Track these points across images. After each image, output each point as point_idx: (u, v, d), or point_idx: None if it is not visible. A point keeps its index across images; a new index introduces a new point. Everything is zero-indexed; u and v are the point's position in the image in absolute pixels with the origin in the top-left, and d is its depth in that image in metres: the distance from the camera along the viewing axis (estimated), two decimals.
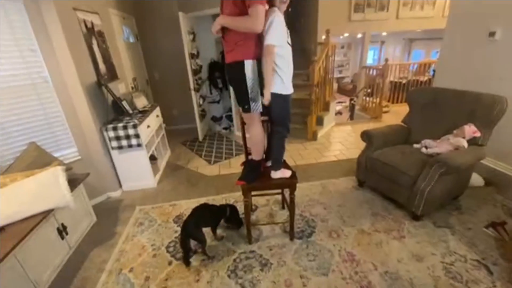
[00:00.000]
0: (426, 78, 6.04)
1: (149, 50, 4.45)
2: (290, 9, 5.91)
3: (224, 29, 1.47)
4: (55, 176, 1.85)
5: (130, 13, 4.00)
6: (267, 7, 1.41)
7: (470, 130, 2.04)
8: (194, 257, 1.84)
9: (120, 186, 2.85)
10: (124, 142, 2.60)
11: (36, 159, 2.04)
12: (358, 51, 8.37)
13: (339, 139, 4.08)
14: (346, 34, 6.98)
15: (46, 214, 1.72)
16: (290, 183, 1.74)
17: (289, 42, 1.55)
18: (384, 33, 8.61)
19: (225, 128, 4.74)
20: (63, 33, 2.13)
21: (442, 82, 2.95)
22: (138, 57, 4.23)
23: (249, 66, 1.45)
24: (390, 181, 2.21)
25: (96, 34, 2.68)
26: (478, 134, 2.03)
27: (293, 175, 1.78)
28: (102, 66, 2.70)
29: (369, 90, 5.59)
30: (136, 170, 2.79)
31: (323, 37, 4.38)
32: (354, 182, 2.71)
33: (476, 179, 2.48)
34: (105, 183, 2.72)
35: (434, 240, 1.88)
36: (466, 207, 2.21)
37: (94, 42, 2.61)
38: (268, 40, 1.43)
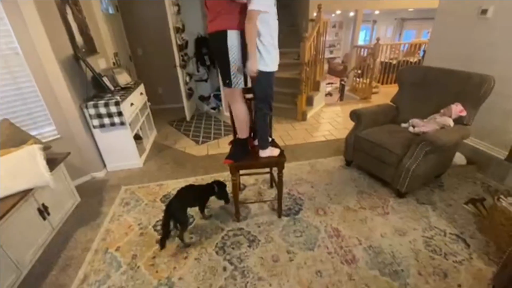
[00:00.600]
0: (416, 59, 6.03)
1: (131, 23, 4.18)
2: None
3: None
4: (32, 155, 1.75)
5: None
6: None
7: (457, 109, 2.06)
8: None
9: (105, 166, 2.77)
10: (106, 120, 2.48)
11: (10, 137, 1.92)
12: (350, 30, 8.20)
13: (328, 119, 4.07)
14: (338, 12, 6.78)
15: (24, 194, 1.65)
16: (278, 162, 1.73)
17: (274, 9, 1.45)
18: (377, 12, 8.44)
19: (214, 108, 4.63)
20: (32, 0, 1.93)
21: (432, 63, 2.94)
22: (119, 30, 3.97)
23: (232, 36, 1.37)
24: (377, 160, 2.24)
25: (71, 3, 2.46)
26: (464, 113, 2.05)
27: (282, 154, 1.76)
28: (79, 38, 2.51)
29: (359, 71, 5.55)
30: (120, 149, 2.70)
31: (315, 14, 4.22)
32: (342, 162, 2.73)
33: (459, 158, 2.55)
34: (88, 163, 2.63)
35: (416, 216, 1.95)
36: (448, 185, 2.29)
37: (69, 11, 2.40)
38: (253, 4, 1.32)
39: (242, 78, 1.51)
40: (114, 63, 3.38)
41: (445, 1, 2.83)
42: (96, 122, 2.47)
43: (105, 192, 2.45)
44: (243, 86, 1.55)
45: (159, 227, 1.94)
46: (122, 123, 2.52)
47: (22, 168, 1.69)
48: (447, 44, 2.83)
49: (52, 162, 1.96)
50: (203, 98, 4.81)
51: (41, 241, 1.81)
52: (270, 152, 1.76)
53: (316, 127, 3.79)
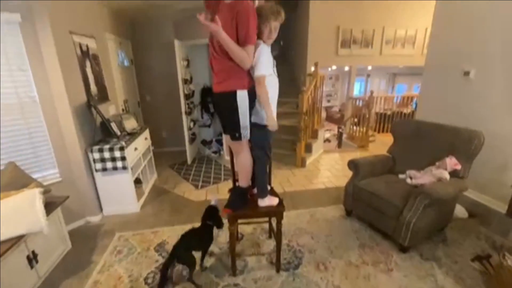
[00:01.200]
0: (409, 110, 6.34)
1: (143, 73, 4.53)
2: (282, 43, 6.25)
3: (214, 53, 1.46)
4: (31, 199, 1.76)
5: (127, 38, 4.12)
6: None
7: (451, 162, 2.12)
8: None
9: (101, 210, 2.72)
10: (109, 164, 2.53)
11: (12, 180, 1.95)
12: (346, 82, 8.79)
13: (327, 166, 4.12)
14: (334, 67, 7.36)
15: (17, 240, 1.61)
16: (277, 212, 1.72)
17: (275, 72, 1.61)
18: (369, 67, 9.14)
19: (215, 152, 4.73)
20: (56, 55, 2.15)
21: (424, 115, 3.10)
22: (131, 80, 4.28)
23: (241, 95, 1.46)
24: (377, 211, 2.22)
25: (91, 57, 2.72)
26: (458, 167, 2.10)
27: (280, 203, 1.76)
28: (93, 88, 2.71)
29: (356, 120, 5.80)
30: (119, 193, 2.70)
31: (312, 68, 4.61)
32: (342, 211, 2.69)
33: (460, 211, 2.52)
34: (84, 207, 2.60)
35: (422, 273, 1.85)
36: (451, 239, 2.22)
37: (88, 64, 2.64)
38: (259, 70, 1.48)
39: (249, 132, 1.57)
40: (123, 109, 3.58)
41: (430, 63, 3.12)
42: (99, 165, 2.52)
43: (98, 239, 2.37)
44: (249, 137, 1.61)
45: (150, 280, 1.84)
46: (124, 168, 2.57)
47: (20, 213, 1.68)
48: (436, 99, 3.03)
49: (49, 206, 1.95)
50: (205, 142, 4.94)
51: None
52: (269, 201, 1.76)
53: (315, 173, 3.82)
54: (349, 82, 5.93)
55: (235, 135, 1.56)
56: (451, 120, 2.51)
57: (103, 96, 2.95)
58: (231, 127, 1.55)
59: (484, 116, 2.51)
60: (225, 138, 1.75)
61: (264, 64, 1.48)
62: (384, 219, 2.17)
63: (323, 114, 6.58)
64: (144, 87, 4.61)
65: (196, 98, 4.75)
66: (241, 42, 1.36)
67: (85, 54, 2.60)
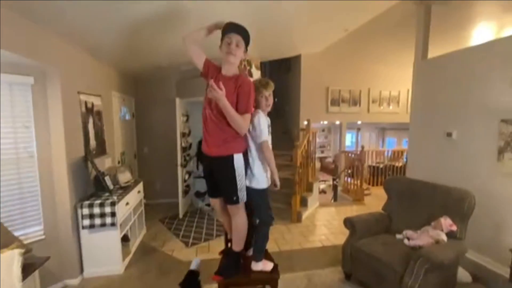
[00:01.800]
0: (401, 164, 6.50)
1: (143, 126, 4.69)
2: (276, 100, 6.69)
3: (211, 115, 1.50)
4: (9, 262, 1.64)
5: (131, 95, 4.39)
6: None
7: (446, 223, 2.10)
8: None
9: (81, 271, 2.51)
10: (97, 221, 2.43)
11: None
12: (337, 135, 9.16)
13: (323, 221, 4.02)
14: (325, 122, 7.76)
15: None
16: (271, 279, 1.62)
17: (270, 134, 1.71)
18: (359, 122, 9.65)
19: (208, 205, 4.61)
20: (62, 114, 2.26)
21: (414, 173, 3.17)
22: (130, 132, 4.41)
23: (238, 159, 1.52)
24: (377, 275, 2.10)
25: (94, 113, 2.85)
26: (454, 228, 2.08)
27: (275, 269, 1.67)
28: (92, 142, 2.78)
29: (349, 171, 5.87)
30: (103, 253, 2.53)
31: (305, 122, 4.85)
32: (341, 274, 2.54)
33: (463, 274, 2.40)
34: (65, 268, 2.40)
35: None
36: None
37: (90, 120, 2.75)
38: (262, 137, 1.59)
39: (245, 194, 1.58)
40: (119, 161, 3.60)
41: (414, 123, 3.32)
42: (86, 222, 2.42)
43: None
44: (244, 201, 1.61)
45: None
46: (113, 224, 2.47)
47: None
48: (424, 157, 3.14)
49: (27, 268, 1.80)
50: (199, 194, 4.85)
51: None
52: (263, 265, 1.68)
53: (312, 230, 3.70)
54: (341, 136, 6.18)
55: (233, 198, 1.55)
56: (441, 178, 2.57)
57: (101, 150, 3.00)
58: (229, 190, 1.55)
59: (473, 175, 2.58)
60: (212, 202, 1.74)
61: (264, 130, 1.60)
62: (385, 285, 2.05)
63: (318, 165, 6.68)
64: (143, 139, 4.72)
65: (193, 150, 4.84)
66: (241, 110, 1.47)
67: (89, 111, 2.74)
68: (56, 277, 2.37)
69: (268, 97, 1.67)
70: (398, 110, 6.02)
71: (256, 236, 1.74)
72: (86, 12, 1.93)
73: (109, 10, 1.97)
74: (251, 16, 2.42)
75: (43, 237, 2.26)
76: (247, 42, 1.57)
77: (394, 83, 5.86)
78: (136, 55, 3.23)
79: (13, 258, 1.67)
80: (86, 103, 2.68)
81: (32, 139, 2.18)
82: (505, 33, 3.83)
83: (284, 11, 2.59)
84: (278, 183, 1.66)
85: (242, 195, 1.56)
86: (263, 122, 1.60)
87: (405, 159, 6.71)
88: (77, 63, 2.57)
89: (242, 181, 1.55)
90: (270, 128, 1.72)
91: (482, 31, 3.98)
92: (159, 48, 3.00)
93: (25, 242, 2.04)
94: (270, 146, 1.69)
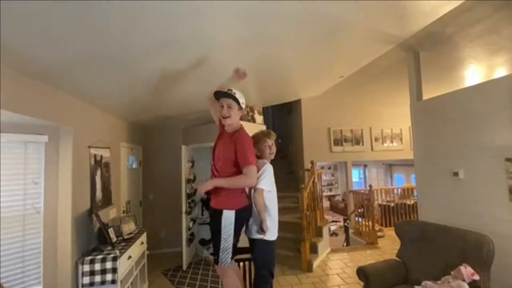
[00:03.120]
0: (412, 201, 6.26)
1: (149, 173, 4.76)
2: (280, 141, 6.83)
3: (216, 172, 1.62)
4: None
5: (139, 144, 4.54)
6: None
7: (467, 272, 1.95)
8: None
9: None
10: (97, 278, 2.34)
11: None
12: (344, 173, 9.05)
13: (336, 270, 3.75)
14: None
15: None
16: None
17: (275, 189, 1.73)
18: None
19: (213, 254, 4.40)
20: (71, 169, 2.33)
21: (426, 215, 3.04)
22: (137, 180, 4.46)
23: (227, 215, 1.51)
24: None
25: (103, 165, 2.94)
26: (477, 278, 1.93)
27: None
28: (99, 194, 2.81)
29: (360, 210, 5.66)
30: None
31: (310, 164, 4.85)
32: None
33: None
34: None
35: None
36: None
37: (98, 173, 2.83)
38: (260, 184, 1.61)
39: (230, 257, 1.52)
40: (124, 211, 3.58)
41: (419, 163, 3.29)
42: (86, 280, 2.32)
43: None
44: (229, 265, 1.55)
45: None
46: (113, 281, 2.36)
47: None
48: (434, 197, 3.04)
49: None
50: (203, 242, 4.66)
51: None
52: None
53: (324, 280, 3.44)
54: (347, 176, 6.11)
55: (214, 257, 1.52)
56: (453, 219, 2.46)
57: (107, 201, 3.02)
58: (214, 247, 1.54)
59: (486, 216, 2.46)
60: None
61: (265, 182, 1.63)
62: None
63: (327, 204, 6.47)
64: (148, 186, 4.75)
65: (198, 195, 4.80)
66: (242, 164, 1.52)
67: (98, 163, 2.83)
68: None
69: (271, 146, 1.78)
70: (402, 146, 6.03)
71: None
72: (98, 76, 2.13)
73: (120, 72, 2.16)
74: (253, 67, 2.61)
75: None
76: (238, 101, 1.62)
77: (394, 121, 5.97)
78: (145, 109, 3.44)
79: None
80: (95, 156, 2.78)
81: (41, 195, 2.23)
82: (496, 73, 4.01)
83: (283, 62, 2.80)
84: (265, 229, 1.60)
85: (224, 257, 1.49)
86: (268, 174, 1.65)
87: (416, 196, 6.48)
88: (88, 119, 2.74)
89: (226, 243, 1.49)
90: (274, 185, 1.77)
91: (473, 72, 4.16)
92: (167, 100, 3.20)
93: None
94: (276, 199, 1.72)
